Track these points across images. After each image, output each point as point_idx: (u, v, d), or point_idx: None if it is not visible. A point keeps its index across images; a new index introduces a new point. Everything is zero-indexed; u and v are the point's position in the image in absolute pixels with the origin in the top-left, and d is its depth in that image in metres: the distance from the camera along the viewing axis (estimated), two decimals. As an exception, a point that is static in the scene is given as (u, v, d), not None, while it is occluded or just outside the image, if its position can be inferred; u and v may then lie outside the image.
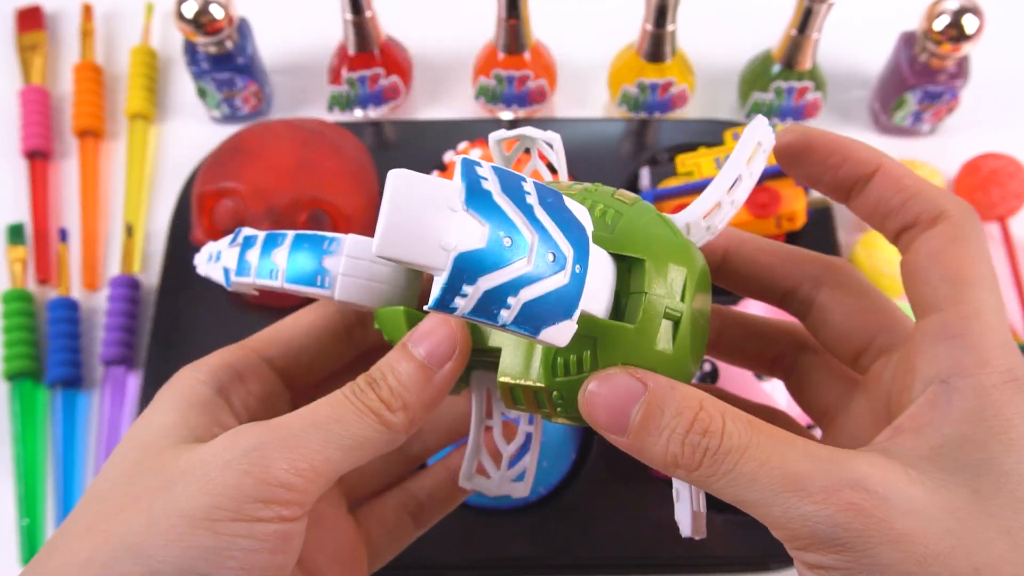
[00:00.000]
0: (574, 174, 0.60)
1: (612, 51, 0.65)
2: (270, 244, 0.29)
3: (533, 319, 0.22)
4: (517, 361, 0.26)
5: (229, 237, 0.30)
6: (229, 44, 0.61)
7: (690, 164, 0.57)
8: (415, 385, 0.27)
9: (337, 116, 0.65)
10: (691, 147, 0.59)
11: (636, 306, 0.25)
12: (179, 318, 0.56)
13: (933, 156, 0.63)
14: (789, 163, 0.28)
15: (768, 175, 0.55)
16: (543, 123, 0.64)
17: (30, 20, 0.70)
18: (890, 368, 0.28)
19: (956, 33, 0.57)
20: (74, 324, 0.58)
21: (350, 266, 0.28)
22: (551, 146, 0.29)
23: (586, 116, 0.66)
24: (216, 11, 0.58)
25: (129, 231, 0.62)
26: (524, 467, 0.30)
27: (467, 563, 0.49)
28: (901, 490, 0.22)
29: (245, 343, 0.31)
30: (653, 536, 0.49)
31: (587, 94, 0.67)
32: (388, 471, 0.35)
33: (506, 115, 0.65)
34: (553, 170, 0.30)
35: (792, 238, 0.58)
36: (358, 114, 0.65)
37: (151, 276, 0.60)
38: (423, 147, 0.62)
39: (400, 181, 0.22)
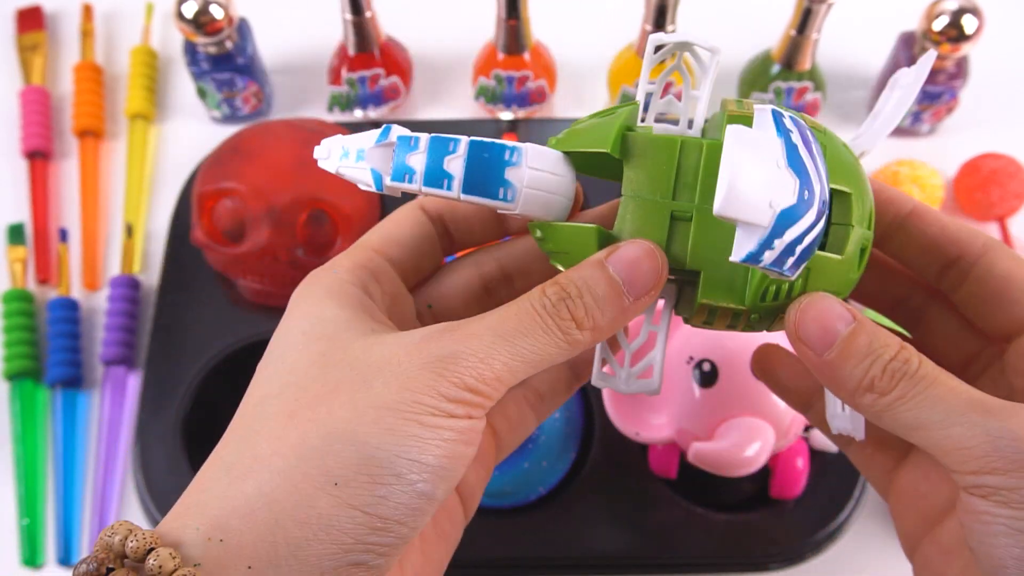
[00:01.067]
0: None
1: (612, 51, 0.65)
2: (440, 149, 0.27)
3: (801, 262, 0.24)
4: (721, 284, 0.27)
5: (371, 132, 0.28)
6: (229, 44, 0.61)
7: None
8: (609, 307, 0.27)
9: (337, 116, 0.65)
10: (691, 147, 0.59)
11: (843, 238, 0.27)
12: (179, 318, 0.56)
13: (932, 156, 0.63)
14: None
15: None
16: (543, 123, 0.64)
17: (30, 20, 0.70)
18: (1012, 366, 0.29)
19: (955, 33, 0.57)
20: (74, 324, 0.58)
21: (534, 178, 0.28)
22: (711, 55, 0.29)
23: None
24: (216, 11, 0.58)
25: (129, 231, 0.62)
26: (650, 363, 0.30)
27: (467, 563, 0.49)
28: None
29: (365, 244, 0.31)
30: (653, 536, 0.49)
31: (587, 94, 0.67)
32: None
33: (506, 115, 0.65)
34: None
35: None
36: (358, 114, 0.65)
37: (151, 276, 0.60)
38: (423, 147, 0.61)
39: (739, 140, 0.23)
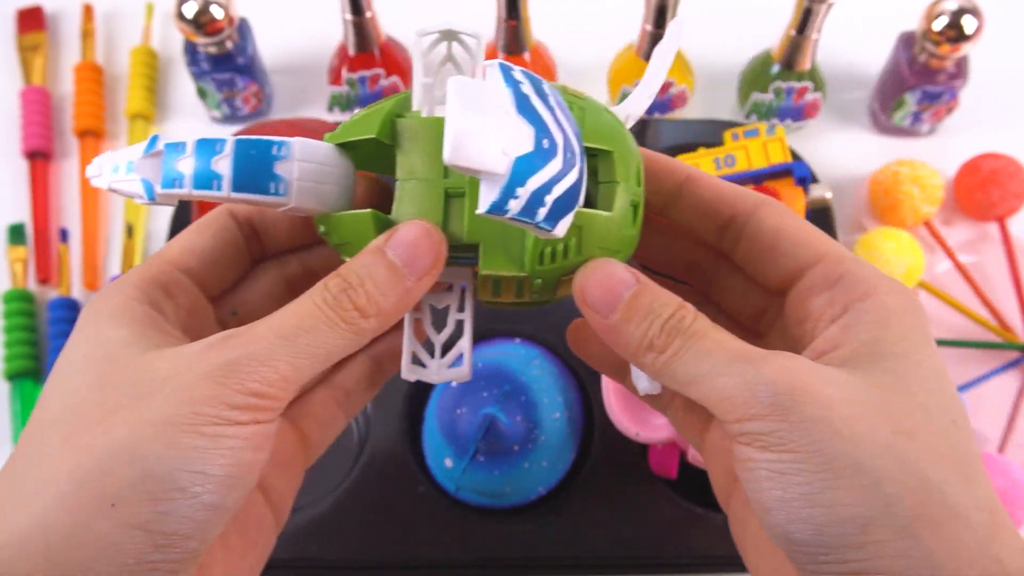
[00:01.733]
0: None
1: (612, 51, 0.65)
2: (206, 151, 0.27)
3: (556, 214, 0.24)
4: (500, 254, 0.27)
5: (140, 144, 0.28)
6: (229, 44, 0.61)
7: (690, 164, 0.57)
8: (392, 292, 0.27)
9: (337, 116, 0.65)
10: (691, 147, 0.59)
11: (611, 195, 0.27)
12: (179, 318, 0.56)
13: (932, 156, 0.63)
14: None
15: (767, 175, 0.55)
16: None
17: (31, 20, 0.70)
18: (790, 317, 0.30)
19: (955, 33, 0.57)
20: (74, 324, 0.58)
21: (305, 171, 0.28)
22: (475, 41, 0.29)
23: (586, 116, 0.66)
24: (216, 11, 0.58)
25: (129, 231, 0.62)
26: (460, 351, 0.30)
27: (467, 563, 0.49)
28: (828, 370, 0.25)
29: (160, 256, 0.30)
30: (653, 536, 0.49)
31: (587, 94, 0.67)
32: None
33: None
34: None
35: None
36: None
37: (151, 276, 0.60)
38: (423, 147, 0.62)
39: (462, 88, 0.23)
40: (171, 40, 0.70)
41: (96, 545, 0.23)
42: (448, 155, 0.22)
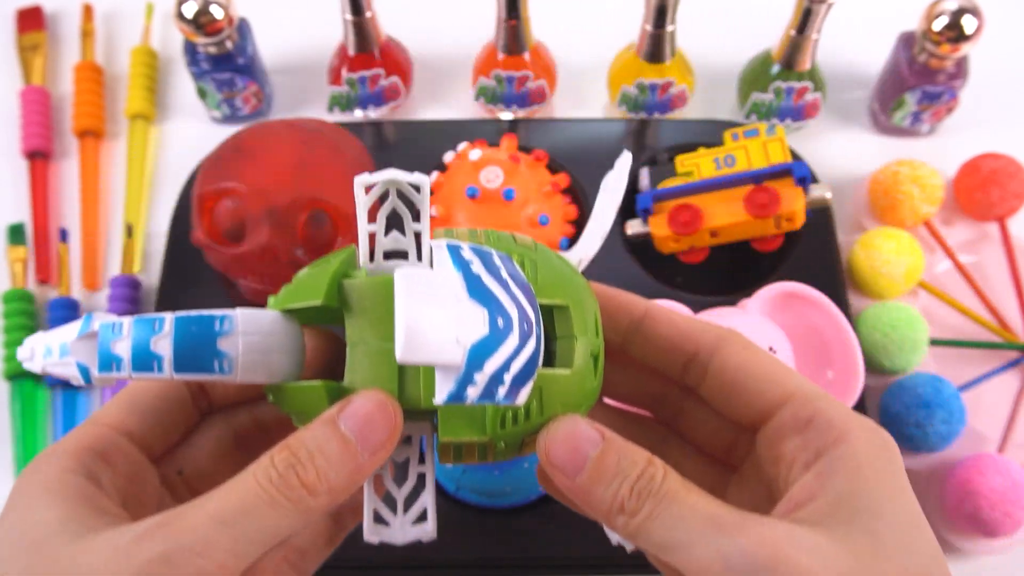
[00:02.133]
0: (575, 175, 0.60)
1: (612, 52, 0.65)
2: (145, 331, 0.26)
3: (516, 388, 0.23)
4: (459, 420, 0.26)
5: (73, 325, 0.27)
6: (229, 44, 0.61)
7: (689, 164, 0.57)
8: (344, 468, 0.25)
9: (337, 116, 0.65)
10: (691, 147, 0.59)
11: (569, 351, 0.27)
12: (179, 318, 0.56)
13: (932, 156, 0.63)
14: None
15: (767, 175, 0.55)
16: (543, 124, 0.64)
17: (30, 20, 0.70)
18: (763, 456, 0.29)
19: (955, 33, 0.57)
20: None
21: (250, 344, 0.26)
22: (417, 190, 0.28)
23: (586, 116, 0.66)
24: (216, 11, 0.58)
25: (129, 231, 0.62)
26: (423, 507, 0.28)
27: (467, 563, 0.49)
28: (805, 535, 0.24)
29: (96, 420, 0.28)
30: (653, 536, 0.49)
31: (587, 94, 0.67)
32: None
33: (506, 115, 0.65)
34: (414, 215, 0.29)
35: (791, 238, 0.58)
36: (358, 114, 0.65)
37: (151, 276, 0.61)
38: (423, 147, 0.62)
39: (409, 283, 0.22)
40: (171, 40, 0.70)
41: None
42: (401, 354, 0.22)
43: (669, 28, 0.59)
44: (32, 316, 0.58)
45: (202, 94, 0.64)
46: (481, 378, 0.22)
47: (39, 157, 0.64)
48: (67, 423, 0.56)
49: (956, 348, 0.58)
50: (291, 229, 0.53)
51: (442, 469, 0.49)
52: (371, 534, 0.28)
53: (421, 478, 0.29)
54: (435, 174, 0.58)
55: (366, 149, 0.59)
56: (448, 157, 0.59)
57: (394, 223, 0.28)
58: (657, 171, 0.58)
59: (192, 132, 0.66)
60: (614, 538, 0.29)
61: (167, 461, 0.30)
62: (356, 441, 0.25)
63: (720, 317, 0.50)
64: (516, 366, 0.23)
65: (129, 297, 0.58)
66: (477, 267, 0.24)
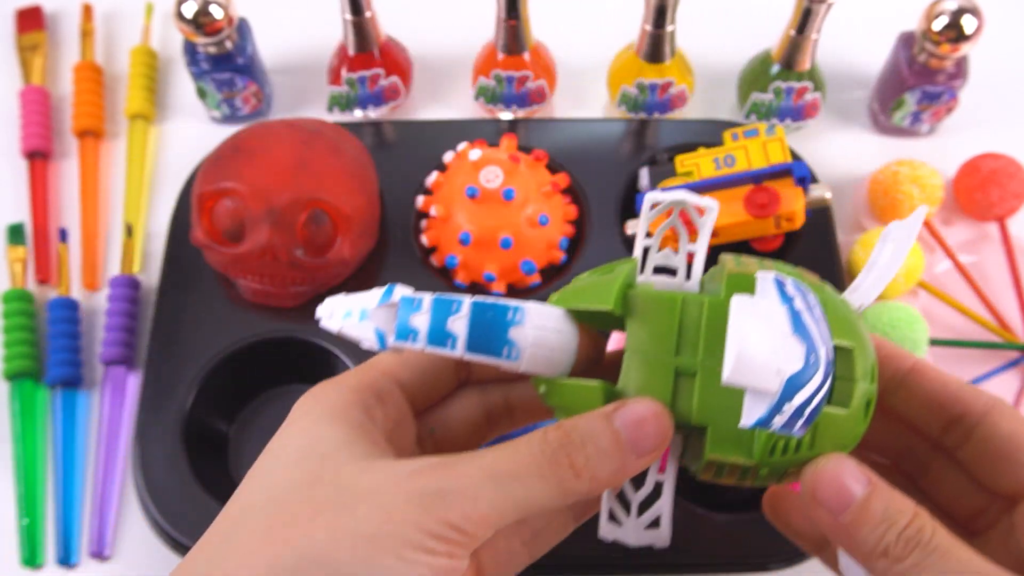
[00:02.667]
0: (575, 175, 0.60)
1: (611, 51, 0.65)
2: (443, 310, 0.28)
3: (808, 422, 0.25)
4: (728, 440, 0.27)
5: (374, 292, 0.29)
6: (229, 44, 0.61)
7: (689, 164, 0.57)
8: (611, 462, 0.27)
9: (337, 116, 0.65)
10: (690, 147, 0.59)
11: (848, 392, 0.27)
12: (179, 318, 0.56)
13: (932, 156, 0.63)
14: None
15: (767, 175, 0.55)
16: (543, 123, 0.64)
17: (30, 20, 0.70)
18: (1020, 526, 0.29)
19: (955, 33, 0.57)
20: (74, 324, 0.58)
21: (538, 338, 0.28)
22: (701, 213, 0.30)
23: (585, 116, 0.66)
24: (216, 11, 0.58)
25: (129, 231, 0.62)
26: (658, 514, 0.30)
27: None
28: None
29: (376, 365, 0.31)
30: (653, 536, 0.49)
31: (587, 94, 0.67)
32: None
33: (506, 115, 0.65)
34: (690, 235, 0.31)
35: (791, 238, 0.58)
36: (358, 114, 0.65)
37: (151, 276, 0.61)
38: (423, 147, 0.62)
39: (742, 307, 0.24)
40: (171, 40, 0.70)
41: None
42: (728, 375, 0.23)
43: (669, 28, 0.59)
44: (32, 316, 0.58)
45: (202, 94, 0.64)
46: (788, 409, 0.24)
47: (39, 157, 0.64)
48: (67, 423, 0.56)
49: (956, 348, 0.58)
50: (291, 229, 0.53)
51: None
52: (606, 532, 0.30)
53: (658, 486, 0.30)
54: (435, 174, 0.58)
55: (366, 149, 0.59)
56: (448, 157, 0.59)
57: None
58: (657, 171, 0.58)
59: (192, 132, 0.66)
60: (853, 574, 0.30)
61: (423, 419, 0.33)
62: (627, 440, 0.27)
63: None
64: (816, 401, 0.25)
65: (129, 297, 0.58)
66: (799, 303, 0.26)
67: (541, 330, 0.28)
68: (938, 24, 0.57)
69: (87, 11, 0.70)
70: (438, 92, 0.68)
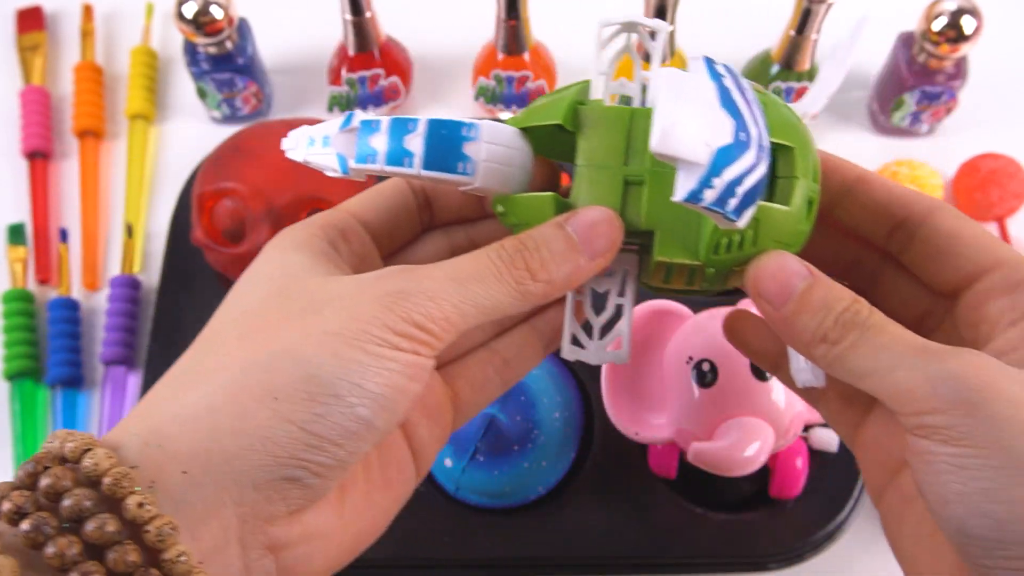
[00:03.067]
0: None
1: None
2: (399, 129, 0.29)
3: (744, 205, 0.24)
4: (676, 242, 0.28)
5: (335, 120, 0.30)
6: (229, 45, 0.61)
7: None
8: (565, 263, 0.28)
9: (337, 116, 0.65)
10: (690, 147, 0.59)
11: (789, 190, 0.28)
12: (179, 318, 0.56)
13: (931, 156, 0.63)
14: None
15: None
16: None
17: (30, 20, 0.70)
18: (962, 319, 0.30)
19: (954, 34, 0.57)
20: (74, 324, 0.58)
21: (492, 152, 0.29)
22: (653, 36, 0.30)
23: (585, 116, 0.66)
24: (216, 12, 0.58)
25: (129, 231, 0.62)
26: (619, 334, 0.31)
27: (467, 563, 0.49)
28: (1013, 368, 0.25)
29: (342, 206, 0.32)
30: (652, 536, 0.49)
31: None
32: (475, 337, 0.35)
33: (506, 115, 0.65)
34: (646, 60, 0.31)
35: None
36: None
37: (151, 276, 0.61)
38: (423, 147, 0.62)
39: (671, 79, 0.24)
40: (171, 40, 0.70)
41: (255, 433, 0.25)
42: (655, 143, 0.23)
43: (669, 28, 0.59)
44: (32, 316, 0.58)
45: (202, 94, 0.64)
46: (719, 183, 0.23)
47: (39, 157, 0.64)
48: (67, 423, 0.56)
49: (955, 348, 0.58)
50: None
51: (442, 470, 0.49)
52: (569, 353, 0.31)
53: (619, 308, 0.31)
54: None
55: (366, 149, 0.59)
56: (448, 157, 0.59)
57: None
58: (657, 171, 0.58)
59: (192, 132, 0.66)
60: (802, 378, 0.31)
61: (390, 261, 0.33)
62: (580, 243, 0.28)
63: (719, 318, 0.50)
64: (748, 182, 0.24)
65: (129, 297, 0.58)
66: (728, 82, 0.25)
67: (495, 144, 0.29)
68: (937, 24, 0.57)
69: (87, 11, 0.70)
70: (438, 92, 0.68)
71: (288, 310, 0.27)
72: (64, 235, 0.62)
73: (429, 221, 0.34)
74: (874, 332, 0.26)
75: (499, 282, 0.27)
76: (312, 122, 0.57)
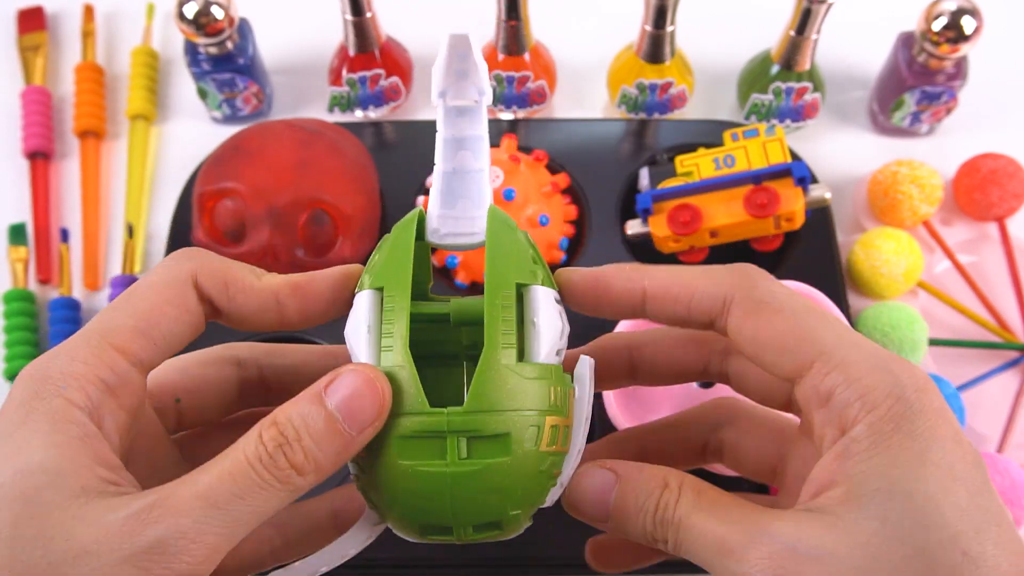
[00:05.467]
0: (575, 175, 0.60)
1: (611, 52, 0.65)
2: None
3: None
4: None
5: None
6: (230, 45, 0.61)
7: (689, 165, 0.57)
8: (330, 444, 0.25)
9: (337, 117, 0.65)
10: (690, 148, 0.59)
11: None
12: (180, 318, 0.56)
13: (931, 157, 0.63)
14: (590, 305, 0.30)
15: (766, 175, 0.55)
16: (543, 124, 0.64)
17: (31, 21, 0.70)
18: (803, 420, 0.29)
19: (954, 34, 0.57)
20: (75, 324, 0.58)
21: None
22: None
23: (586, 117, 0.66)
24: (217, 12, 0.58)
25: (130, 231, 0.62)
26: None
27: (467, 563, 0.49)
28: (813, 540, 0.24)
29: (105, 336, 0.26)
30: (652, 535, 0.49)
31: (587, 95, 0.67)
32: None
33: (506, 115, 0.65)
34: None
35: (791, 238, 0.58)
36: (358, 115, 0.65)
37: (152, 276, 0.61)
38: (423, 148, 0.61)
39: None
40: (172, 40, 0.70)
41: None
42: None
43: (669, 28, 0.59)
44: (33, 316, 0.59)
45: (203, 94, 0.64)
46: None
47: (40, 157, 0.65)
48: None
49: (955, 348, 0.58)
50: (291, 229, 0.53)
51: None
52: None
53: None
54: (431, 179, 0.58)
55: (366, 149, 0.59)
56: (448, 157, 0.59)
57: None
58: (657, 171, 0.58)
59: (192, 132, 0.66)
60: None
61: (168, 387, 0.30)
62: (343, 419, 0.25)
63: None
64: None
65: (130, 297, 0.58)
66: None
67: None
68: (938, 24, 0.57)
69: (88, 12, 0.70)
70: (438, 92, 0.68)
71: (22, 567, 0.22)
72: (65, 235, 0.62)
73: (213, 313, 0.29)
74: (684, 531, 0.26)
75: (265, 491, 0.24)
76: (313, 123, 0.57)
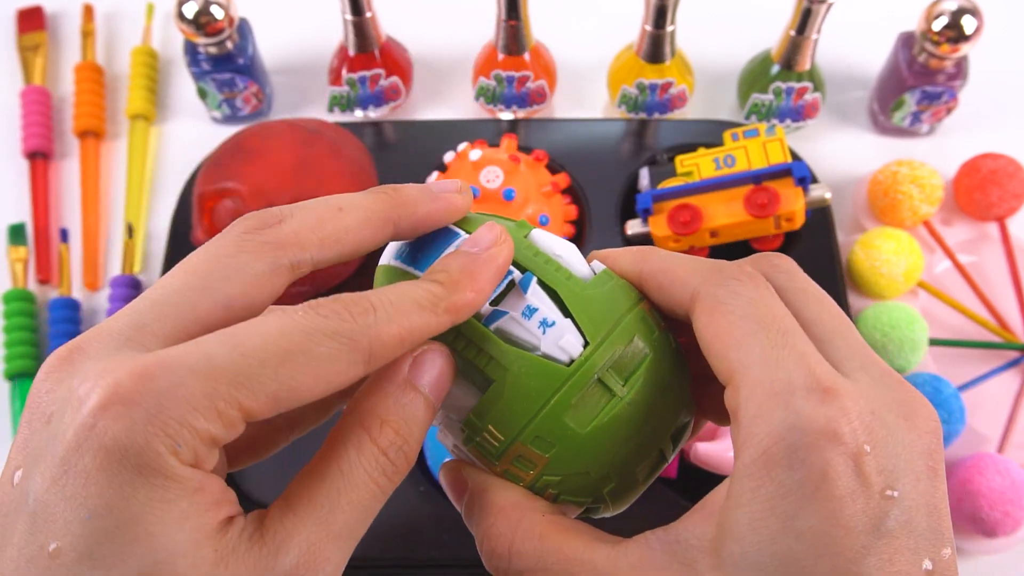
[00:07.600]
0: (575, 175, 0.60)
1: (612, 52, 0.65)
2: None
3: None
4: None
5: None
6: (229, 45, 0.61)
7: (689, 164, 0.57)
8: (425, 431, 0.24)
9: (337, 116, 0.65)
10: (690, 148, 0.59)
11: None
12: (180, 318, 0.56)
13: (932, 156, 0.63)
14: None
15: (767, 175, 0.55)
16: (543, 124, 0.64)
17: (31, 20, 0.70)
18: None
19: (955, 34, 0.57)
20: (75, 324, 0.58)
21: None
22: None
23: (586, 117, 0.66)
24: (216, 12, 0.58)
25: (130, 231, 0.62)
26: None
27: (467, 563, 0.49)
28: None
29: (219, 389, 0.20)
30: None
31: (587, 95, 0.67)
32: None
33: (506, 115, 0.65)
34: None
35: (791, 238, 0.58)
36: (358, 115, 0.65)
37: (152, 276, 0.61)
38: (423, 148, 0.62)
39: None
40: (172, 40, 0.70)
41: None
42: None
43: (669, 28, 0.59)
44: (33, 316, 0.58)
45: (202, 94, 0.64)
46: None
47: (40, 157, 0.65)
48: (68, 423, 0.56)
49: (956, 348, 0.58)
50: (291, 229, 0.53)
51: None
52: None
53: None
54: (435, 174, 0.58)
55: (366, 149, 0.59)
56: (448, 157, 0.59)
57: None
58: (657, 171, 0.58)
59: (192, 132, 0.66)
60: None
61: None
62: (435, 402, 0.25)
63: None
64: None
65: (130, 297, 0.58)
66: None
67: None
68: (938, 24, 0.57)
69: (88, 11, 0.70)
70: (438, 92, 0.68)
71: None
72: (65, 235, 0.62)
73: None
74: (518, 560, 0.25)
75: (385, 498, 0.24)
76: (313, 123, 0.57)
